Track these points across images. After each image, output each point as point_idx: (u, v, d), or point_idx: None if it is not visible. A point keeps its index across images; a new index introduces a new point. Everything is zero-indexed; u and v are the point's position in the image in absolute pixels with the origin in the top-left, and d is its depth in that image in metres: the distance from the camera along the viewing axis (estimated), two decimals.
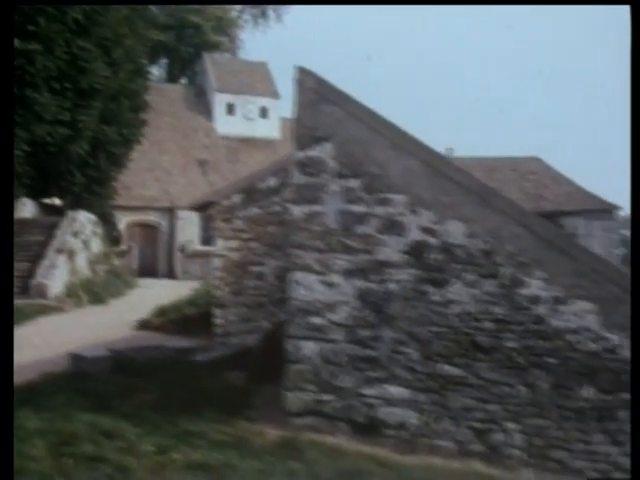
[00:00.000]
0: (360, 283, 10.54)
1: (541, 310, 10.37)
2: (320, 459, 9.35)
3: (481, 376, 10.40)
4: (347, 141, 10.65)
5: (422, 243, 10.49)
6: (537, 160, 42.25)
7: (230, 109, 54.36)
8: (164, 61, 65.02)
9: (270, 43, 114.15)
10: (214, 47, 62.33)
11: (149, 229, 47.84)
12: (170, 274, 46.57)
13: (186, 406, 10.92)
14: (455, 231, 10.46)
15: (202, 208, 17.99)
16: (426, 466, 9.76)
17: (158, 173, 49.30)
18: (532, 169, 41.24)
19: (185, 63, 64.28)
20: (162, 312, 23.19)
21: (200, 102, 55.58)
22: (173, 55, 63.19)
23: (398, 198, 10.53)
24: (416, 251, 10.50)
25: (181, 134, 52.81)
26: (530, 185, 40.33)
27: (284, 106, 53.21)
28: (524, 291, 10.40)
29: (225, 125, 53.91)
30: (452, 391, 10.42)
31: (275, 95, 55.56)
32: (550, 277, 10.36)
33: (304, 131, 10.75)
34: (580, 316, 10.32)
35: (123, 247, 43.00)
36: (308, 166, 10.66)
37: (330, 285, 10.55)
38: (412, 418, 10.44)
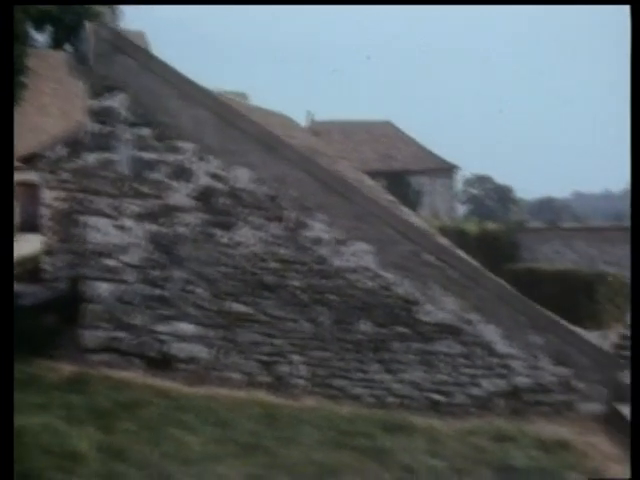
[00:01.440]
0: (151, 226, 10.08)
1: (323, 251, 10.16)
2: (102, 392, 8.92)
3: (267, 313, 10.13)
4: (139, 91, 10.11)
5: (210, 188, 10.10)
6: (389, 124, 42.43)
7: None
8: (50, 29, 62.48)
9: (148, 14, 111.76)
10: (96, 17, 60.18)
11: (32, 188, 46.13)
12: None
13: None
14: (242, 177, 10.10)
15: (28, 160, 17.13)
16: (209, 396, 9.45)
17: (41, 135, 47.50)
18: (384, 132, 41.44)
19: (69, 31, 61.88)
20: (20, 263, 22.26)
21: (82, 68, 53.80)
22: (58, 24, 60.76)
23: (187, 146, 10.08)
24: (205, 196, 10.10)
25: (63, 98, 50.97)
26: (382, 147, 40.56)
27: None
28: (307, 233, 10.15)
29: None
30: (240, 327, 10.13)
31: None
32: (331, 220, 10.13)
33: (98, 81, 10.17)
34: (359, 256, 10.15)
35: None
36: (101, 115, 10.09)
37: (122, 229, 10.06)
38: (203, 352, 10.10)
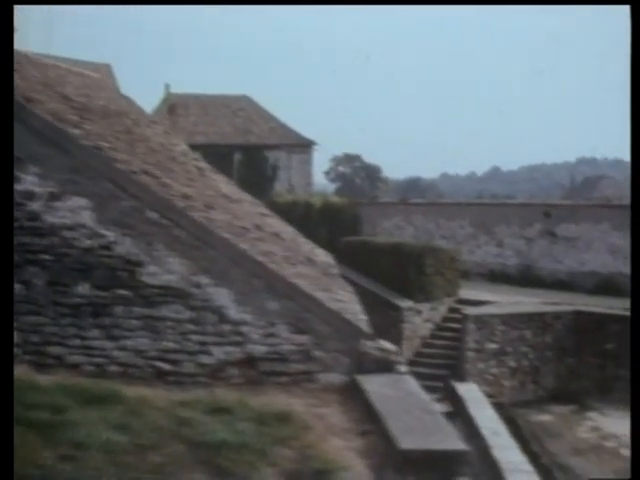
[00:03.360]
0: None
1: (36, 206, 8.86)
2: None
3: None
4: None
5: None
6: (246, 98, 41.10)
7: None
8: None
9: None
10: None
11: None
12: None
13: None
14: None
15: None
16: None
17: None
18: (242, 106, 40.16)
19: None
20: None
21: None
22: None
23: None
24: None
25: None
26: (240, 120, 39.31)
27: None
28: (18, 187, 8.80)
29: None
30: None
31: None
32: (44, 173, 8.84)
33: None
34: (75, 212, 8.90)
35: None
36: None
37: None
38: None
